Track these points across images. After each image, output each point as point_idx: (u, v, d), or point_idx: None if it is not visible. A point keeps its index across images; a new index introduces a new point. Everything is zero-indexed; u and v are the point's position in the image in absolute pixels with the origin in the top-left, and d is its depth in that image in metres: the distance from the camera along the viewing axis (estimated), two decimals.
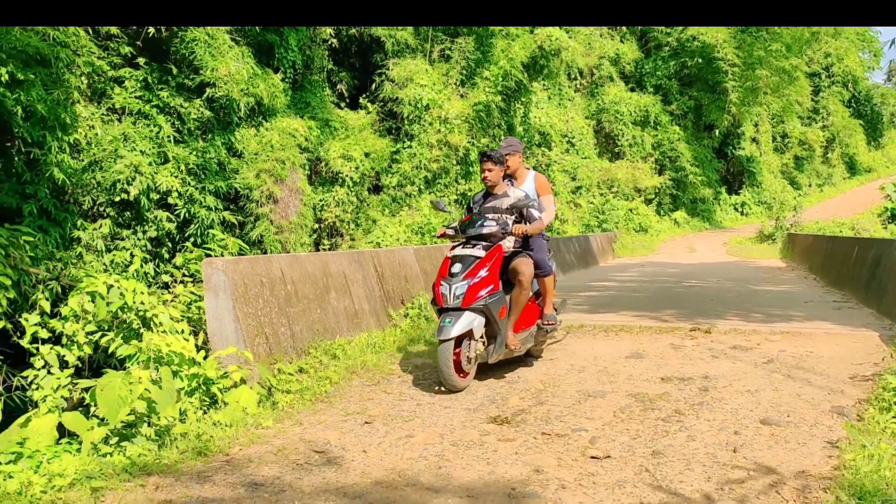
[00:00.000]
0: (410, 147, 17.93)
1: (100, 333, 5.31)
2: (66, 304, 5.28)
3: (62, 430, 4.55)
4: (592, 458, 4.01)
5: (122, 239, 11.75)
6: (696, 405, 5.02)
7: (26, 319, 5.17)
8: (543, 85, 29.07)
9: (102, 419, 4.74)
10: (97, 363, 5.73)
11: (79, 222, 11.07)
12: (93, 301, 5.30)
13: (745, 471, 3.77)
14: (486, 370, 6.08)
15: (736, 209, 41.29)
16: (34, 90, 9.85)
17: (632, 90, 35.61)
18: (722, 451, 4.08)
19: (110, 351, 5.36)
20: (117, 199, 11.43)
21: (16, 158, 10.35)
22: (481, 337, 5.51)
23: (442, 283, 5.43)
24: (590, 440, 4.31)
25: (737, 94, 33.79)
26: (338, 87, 18.34)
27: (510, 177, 6.30)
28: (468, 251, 5.51)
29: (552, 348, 7.23)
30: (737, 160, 41.61)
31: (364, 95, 18.61)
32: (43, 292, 5.33)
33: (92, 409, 4.93)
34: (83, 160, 11.05)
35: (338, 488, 3.64)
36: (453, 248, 5.68)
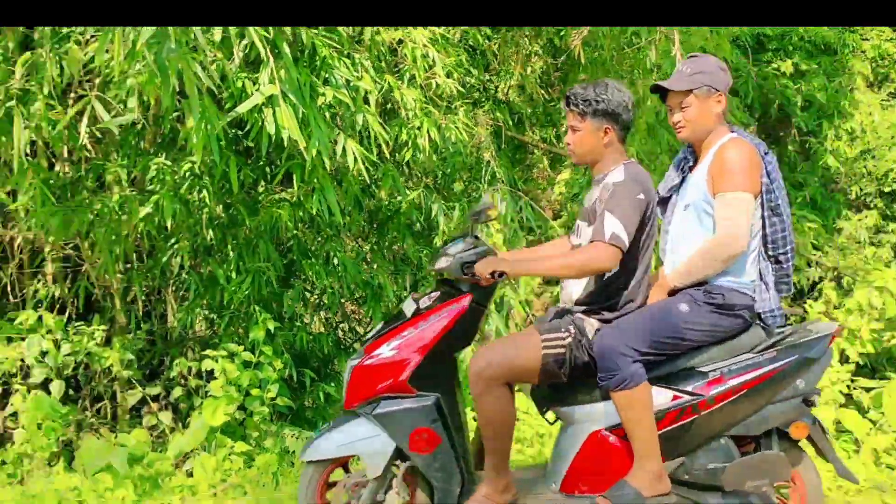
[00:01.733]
0: None
1: (889, 334, 4.96)
2: (852, 297, 5.09)
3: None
4: None
5: (887, 232, 11.01)
6: None
7: (811, 306, 5.19)
8: None
9: (877, 424, 4.48)
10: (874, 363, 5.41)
11: (843, 212, 10.86)
12: (879, 295, 4.99)
13: None
14: None
15: None
16: (816, 79, 10.10)
17: None
18: None
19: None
20: (887, 189, 10.78)
21: (789, 147, 10.86)
22: (399, 481, 2.66)
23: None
24: None
25: None
26: None
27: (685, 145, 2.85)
28: (411, 303, 2.82)
29: None
30: None
31: None
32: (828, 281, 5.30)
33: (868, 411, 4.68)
34: (855, 148, 10.76)
35: None
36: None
